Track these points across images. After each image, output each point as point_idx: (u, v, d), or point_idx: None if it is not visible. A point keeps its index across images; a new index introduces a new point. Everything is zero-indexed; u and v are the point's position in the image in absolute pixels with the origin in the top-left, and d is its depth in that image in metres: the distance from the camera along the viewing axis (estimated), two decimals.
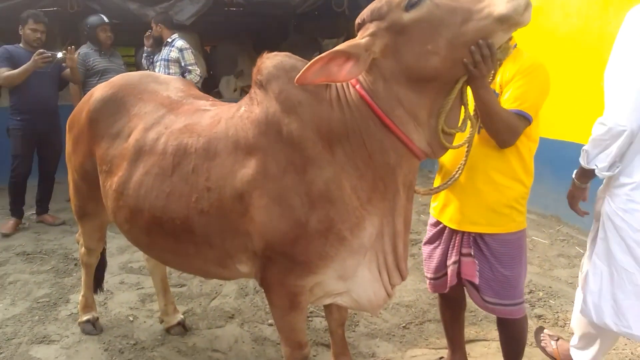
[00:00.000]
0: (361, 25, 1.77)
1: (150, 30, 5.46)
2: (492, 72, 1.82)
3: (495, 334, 2.97)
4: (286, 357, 2.17)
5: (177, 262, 2.23)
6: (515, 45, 2.01)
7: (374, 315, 2.22)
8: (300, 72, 1.64)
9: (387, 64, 1.73)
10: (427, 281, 2.38)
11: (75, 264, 4.06)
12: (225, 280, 3.70)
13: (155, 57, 5.32)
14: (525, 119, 1.94)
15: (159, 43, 5.26)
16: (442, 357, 2.65)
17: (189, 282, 3.74)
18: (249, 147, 1.90)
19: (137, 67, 6.41)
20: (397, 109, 1.75)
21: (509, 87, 1.98)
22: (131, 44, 9.09)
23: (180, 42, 5.24)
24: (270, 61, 1.96)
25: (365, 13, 1.75)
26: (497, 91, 2.03)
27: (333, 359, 2.56)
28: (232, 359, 2.81)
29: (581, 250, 4.11)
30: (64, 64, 4.77)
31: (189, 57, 5.16)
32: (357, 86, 1.80)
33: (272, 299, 2.06)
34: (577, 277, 3.66)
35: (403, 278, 2.06)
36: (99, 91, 2.44)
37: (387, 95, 1.75)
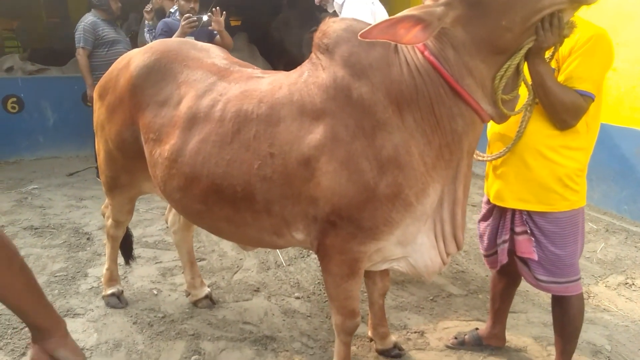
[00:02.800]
0: None
1: (150, 4, 5.29)
2: (554, 46, 1.82)
3: (523, 306, 3.06)
4: (338, 326, 2.18)
5: (230, 231, 2.20)
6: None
7: (428, 281, 2.23)
8: (367, 29, 1.62)
9: (457, 34, 1.73)
10: (483, 258, 2.39)
11: (88, 238, 3.97)
12: (248, 253, 3.69)
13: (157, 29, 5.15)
14: (587, 98, 1.91)
15: (161, 15, 5.09)
16: (477, 328, 2.69)
17: (208, 257, 3.70)
18: (317, 112, 1.88)
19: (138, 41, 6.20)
20: (467, 78, 1.76)
21: (567, 64, 1.94)
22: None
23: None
24: (339, 25, 1.94)
25: None
26: (553, 67, 1.98)
27: (371, 329, 2.59)
28: (265, 331, 2.80)
29: (594, 226, 4.21)
30: (210, 28, 4.52)
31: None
32: (426, 52, 1.79)
33: (330, 267, 2.05)
34: (594, 251, 3.79)
35: (459, 247, 2.08)
36: (138, 57, 2.35)
37: (457, 63, 1.76)
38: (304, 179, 1.90)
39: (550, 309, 2.97)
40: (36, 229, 4.13)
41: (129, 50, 5.34)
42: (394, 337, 2.61)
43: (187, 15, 4.28)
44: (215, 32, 4.52)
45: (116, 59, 5.08)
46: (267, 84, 2.04)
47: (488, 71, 1.77)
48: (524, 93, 1.95)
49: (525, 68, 1.85)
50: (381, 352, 2.57)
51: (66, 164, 6.11)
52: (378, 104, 1.82)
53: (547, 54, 1.88)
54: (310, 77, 1.94)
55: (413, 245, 2.02)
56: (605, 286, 3.35)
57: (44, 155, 6.31)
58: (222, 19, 4.43)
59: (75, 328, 2.78)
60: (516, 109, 1.92)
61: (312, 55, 2.01)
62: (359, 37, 1.61)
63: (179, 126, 2.11)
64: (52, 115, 6.34)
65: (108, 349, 2.62)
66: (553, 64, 1.98)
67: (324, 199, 1.89)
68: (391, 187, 1.83)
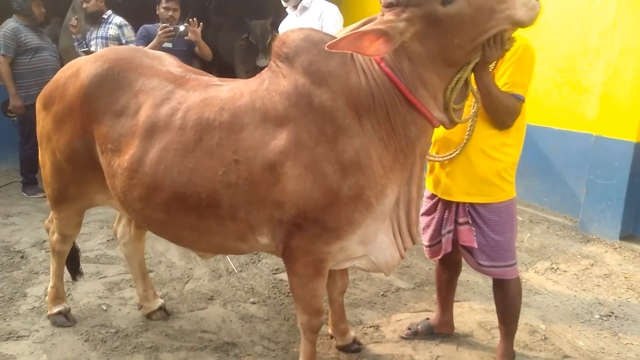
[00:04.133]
0: (392, 5, 1.84)
1: (75, 17, 5.08)
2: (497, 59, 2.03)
3: (465, 295, 3.29)
4: (304, 325, 2.24)
5: (193, 239, 2.20)
6: None
7: (388, 275, 2.36)
8: (335, 39, 1.73)
9: (413, 47, 1.86)
10: (425, 248, 2.57)
11: (22, 257, 3.74)
12: (198, 262, 3.66)
13: (89, 35, 4.96)
14: (520, 101, 2.16)
15: (96, 19, 4.91)
16: (427, 318, 2.86)
17: (155, 268, 3.62)
18: (280, 119, 1.94)
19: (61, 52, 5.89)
20: (420, 89, 1.91)
21: (502, 72, 2.18)
22: None
23: (118, 18, 4.95)
24: (297, 35, 2.01)
25: None
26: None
27: (331, 327, 2.68)
28: (224, 337, 2.80)
29: (520, 218, 4.56)
30: (186, 38, 4.38)
31: (130, 33, 4.89)
32: (382, 64, 1.92)
33: (296, 268, 2.11)
34: (522, 241, 4.11)
35: (414, 242, 2.22)
36: (89, 66, 2.29)
37: (412, 75, 1.90)
38: (269, 183, 1.95)
39: (490, 296, 3.25)
40: None
41: (55, 57, 5.18)
42: (352, 333, 2.72)
43: (163, 25, 4.20)
44: (187, 38, 4.48)
45: (42, 66, 5.02)
46: (227, 92, 2.08)
47: (440, 83, 1.93)
48: (469, 101, 2.14)
49: (471, 79, 2.05)
50: (341, 348, 2.66)
51: None
52: (339, 111, 1.91)
53: (491, 65, 2.09)
54: (271, 84, 2.00)
55: (374, 244, 2.13)
56: (535, 272, 3.67)
57: None
58: (199, 29, 4.37)
59: (22, 351, 2.63)
60: (464, 117, 2.11)
61: (272, 63, 2.07)
62: (326, 48, 1.70)
63: (138, 135, 2.09)
64: None
65: None
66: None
67: (289, 202, 1.95)
68: (353, 189, 1.93)
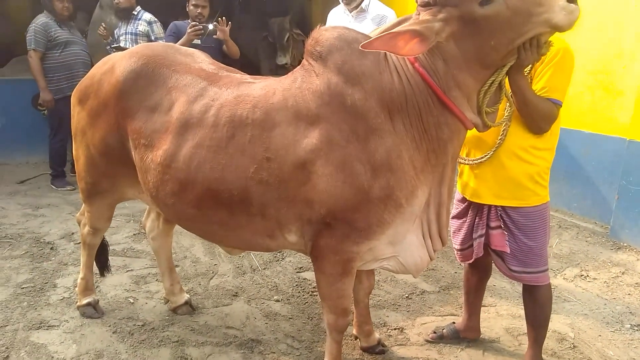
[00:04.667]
0: (428, 5, 1.82)
1: (103, 26, 5.17)
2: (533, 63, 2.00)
3: (491, 300, 3.24)
4: (330, 325, 2.23)
5: (223, 235, 2.21)
6: None
7: (416, 277, 2.35)
8: (370, 39, 1.72)
9: (448, 48, 1.84)
10: (455, 252, 2.54)
11: (52, 248, 3.82)
12: (223, 258, 3.68)
13: (117, 31, 5.03)
14: (558, 106, 2.12)
15: (127, 15, 4.98)
16: (453, 322, 2.82)
17: (181, 263, 3.65)
18: (312, 117, 1.94)
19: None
20: (454, 90, 1.89)
21: (539, 76, 2.14)
22: None
23: (147, 15, 5.02)
24: (331, 33, 2.00)
25: None
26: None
27: (356, 327, 2.66)
28: (249, 334, 2.81)
29: None
30: (214, 36, 4.46)
31: (159, 30, 4.96)
32: (417, 64, 1.90)
33: (324, 267, 2.11)
34: (550, 246, 4.03)
35: (444, 244, 2.20)
36: (124, 62, 2.32)
37: (446, 76, 1.88)
38: (299, 182, 1.95)
39: (517, 302, 3.20)
40: None
41: (85, 51, 5.27)
42: (377, 335, 2.70)
43: (193, 23, 4.26)
44: (215, 37, 4.52)
45: (71, 60, 5.10)
46: (259, 90, 2.08)
47: (474, 84, 1.91)
48: (502, 104, 2.11)
49: (506, 82, 2.01)
50: (366, 350, 2.65)
51: (16, 171, 5.82)
52: (371, 110, 1.90)
53: (527, 69, 2.06)
54: (304, 83, 2.00)
55: (403, 245, 2.11)
56: (563, 278, 3.60)
57: None
58: (227, 28, 4.41)
59: (52, 340, 2.69)
60: (497, 120, 2.08)
61: (304, 62, 2.07)
62: (360, 48, 1.69)
63: (172, 131, 2.11)
64: (0, 119, 6.02)
65: (90, 359, 2.55)
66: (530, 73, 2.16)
67: (319, 201, 1.95)
68: (384, 190, 1.92)
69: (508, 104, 2.12)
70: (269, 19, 7.88)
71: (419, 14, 1.87)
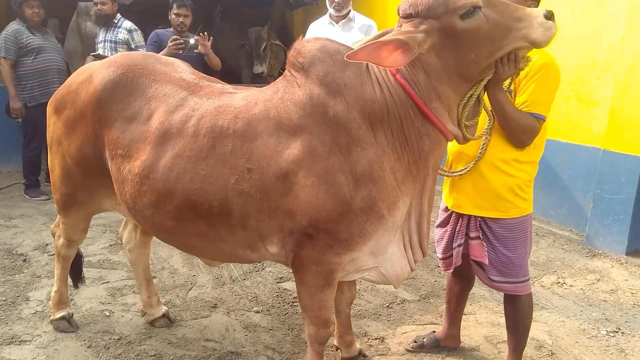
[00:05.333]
0: (410, 16, 1.84)
1: (101, 52, 5.12)
2: (511, 77, 2.03)
3: (471, 308, 3.26)
4: (311, 337, 2.21)
5: (203, 247, 2.18)
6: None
7: (397, 287, 2.34)
8: (354, 50, 1.73)
9: (429, 60, 1.86)
10: (438, 260, 2.55)
11: (24, 260, 3.72)
12: (201, 269, 3.63)
13: (97, 39, 4.96)
14: (540, 120, 2.13)
15: (108, 22, 4.91)
16: (433, 331, 2.83)
17: (158, 274, 3.59)
18: (294, 128, 1.93)
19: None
20: (434, 101, 1.91)
21: (523, 90, 2.15)
22: None
23: (128, 23, 4.97)
24: (313, 44, 2.00)
25: (418, 5, 1.82)
26: (510, 89, 2.19)
27: (337, 338, 2.64)
28: (228, 347, 2.77)
29: None
30: (195, 50, 4.45)
31: (139, 38, 4.91)
32: (398, 75, 1.91)
33: (305, 278, 2.09)
34: None
35: (424, 254, 2.21)
36: (103, 71, 2.28)
37: (427, 87, 1.90)
38: (281, 193, 1.94)
39: (496, 310, 3.23)
40: None
41: (60, 57, 5.17)
42: (358, 345, 2.68)
43: (174, 37, 4.23)
44: (196, 51, 4.53)
45: (44, 66, 5.01)
46: (241, 100, 2.06)
47: (454, 97, 1.93)
48: (483, 117, 2.13)
49: (485, 96, 2.04)
50: None
51: None
52: (353, 121, 1.90)
53: (505, 83, 2.08)
54: (286, 93, 1.99)
55: (384, 255, 2.11)
56: (541, 286, 3.65)
57: None
58: (209, 43, 4.39)
59: (24, 356, 2.60)
60: (477, 134, 2.10)
61: (286, 72, 2.06)
62: (345, 59, 1.69)
63: (150, 142, 2.07)
64: None
65: None
66: (511, 87, 2.18)
67: (301, 212, 1.93)
68: (366, 201, 1.91)
69: (488, 117, 2.14)
70: (246, 28, 7.89)
71: (400, 26, 1.88)
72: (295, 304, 3.24)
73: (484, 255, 2.29)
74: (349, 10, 4.24)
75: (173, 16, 4.59)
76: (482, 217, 2.30)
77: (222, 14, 9.50)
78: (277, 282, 3.55)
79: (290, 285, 3.48)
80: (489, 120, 2.14)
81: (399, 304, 3.30)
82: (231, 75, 7.67)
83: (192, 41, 4.31)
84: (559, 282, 3.70)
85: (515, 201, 2.26)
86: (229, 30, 8.60)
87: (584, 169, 4.51)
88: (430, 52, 1.83)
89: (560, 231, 4.64)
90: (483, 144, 2.18)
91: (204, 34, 4.44)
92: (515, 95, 2.17)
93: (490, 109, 2.10)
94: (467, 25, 1.79)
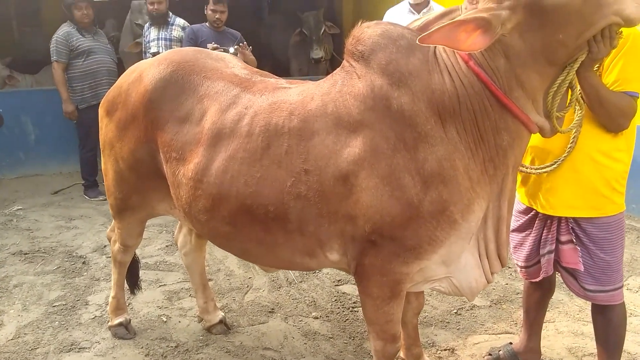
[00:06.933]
0: None
1: (139, 40, 5.14)
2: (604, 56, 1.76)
3: (549, 315, 2.94)
4: (377, 352, 2.04)
5: (259, 253, 2.05)
6: None
7: (471, 301, 2.13)
8: (428, 32, 1.51)
9: (512, 42, 1.62)
10: (519, 269, 2.30)
11: (84, 262, 3.74)
12: (257, 270, 3.51)
13: (148, 37, 4.94)
14: (636, 98, 1.88)
15: (164, 21, 4.89)
16: (510, 343, 2.57)
17: (214, 276, 3.51)
18: (354, 124, 1.76)
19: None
20: (516, 90, 1.67)
21: (610, 69, 1.90)
22: None
23: (181, 20, 4.95)
24: (373, 30, 1.81)
25: None
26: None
27: (404, 350, 2.44)
28: (287, 356, 2.63)
29: None
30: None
31: None
32: (471, 62, 1.68)
33: (370, 289, 1.92)
34: None
35: (503, 265, 1.97)
36: (152, 70, 2.18)
37: (507, 75, 1.66)
38: (341, 195, 1.77)
39: (578, 316, 2.93)
40: (25, 254, 3.86)
41: (110, 58, 5.20)
42: (427, 357, 2.48)
43: (214, 45, 4.11)
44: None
45: (94, 68, 5.03)
46: (296, 95, 1.91)
47: (540, 84, 1.69)
48: (570, 110, 1.88)
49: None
50: None
51: (50, 182, 5.79)
52: (419, 115, 1.70)
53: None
54: (344, 86, 1.81)
55: (457, 265, 1.90)
56: (627, 289, 3.29)
57: (26, 173, 5.95)
58: (248, 51, 4.28)
59: None
60: (567, 126, 1.86)
61: (345, 62, 1.88)
62: (418, 42, 1.49)
63: (203, 143, 1.95)
64: (34, 130, 6.02)
65: None
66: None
67: (364, 217, 1.76)
68: (436, 204, 1.71)
69: (578, 106, 1.88)
70: (300, 14, 7.74)
71: (472, 3, 1.64)
72: (355, 309, 3.06)
73: (578, 261, 2.03)
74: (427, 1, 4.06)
75: (209, 12, 4.50)
76: (574, 218, 2.04)
77: (270, 7, 9.40)
78: (336, 285, 3.39)
79: (349, 288, 3.31)
80: (579, 110, 1.87)
81: (468, 310, 3.06)
82: (281, 70, 7.55)
83: (231, 50, 4.19)
84: None
85: (612, 196, 2.00)
86: (280, 22, 8.47)
87: None
88: (513, 33, 1.58)
89: (638, 224, 4.22)
90: (574, 136, 1.92)
91: (243, 43, 4.33)
92: (600, 77, 1.91)
93: (581, 95, 1.83)
94: (557, 1, 1.53)
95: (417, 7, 4.05)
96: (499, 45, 1.62)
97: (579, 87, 1.83)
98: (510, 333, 2.80)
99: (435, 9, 4.01)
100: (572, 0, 1.54)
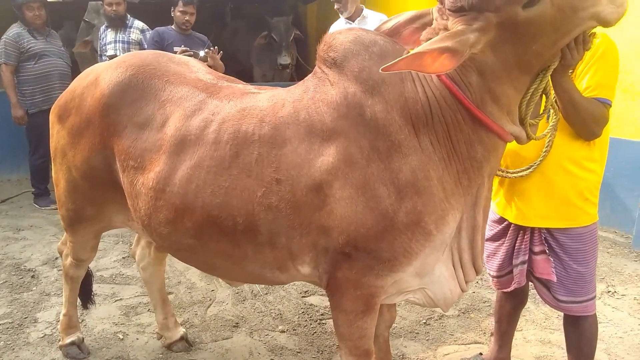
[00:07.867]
0: (462, 9, 1.52)
1: (88, 38, 4.92)
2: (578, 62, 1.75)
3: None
4: None
5: (227, 268, 1.93)
6: None
7: (445, 312, 2.07)
8: (391, 62, 1.43)
9: (483, 59, 1.57)
10: (491, 279, 2.27)
11: (32, 276, 3.51)
12: (220, 283, 3.38)
13: (105, 40, 4.73)
14: (607, 105, 1.88)
15: (122, 23, 4.69)
16: (480, 353, 2.55)
17: (175, 289, 3.36)
18: (327, 132, 1.68)
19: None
20: (489, 104, 1.63)
21: (584, 74, 1.89)
22: None
23: (140, 23, 4.78)
24: (345, 36, 1.75)
25: None
26: None
27: None
28: None
29: None
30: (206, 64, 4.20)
31: None
32: (442, 75, 1.63)
33: (342, 303, 1.83)
34: None
35: (478, 273, 1.92)
36: (110, 73, 2.04)
37: (481, 90, 1.62)
38: (314, 206, 1.69)
39: (545, 324, 2.94)
40: None
41: (64, 61, 4.95)
42: None
43: (184, 48, 3.96)
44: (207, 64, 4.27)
45: (46, 71, 4.78)
46: (266, 101, 1.81)
47: (515, 95, 1.65)
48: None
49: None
50: None
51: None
52: (393, 123, 1.64)
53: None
54: (317, 93, 1.73)
55: (431, 276, 1.84)
56: None
57: None
58: (218, 56, 4.13)
59: None
60: (541, 132, 1.84)
61: (317, 69, 1.81)
62: (380, 71, 1.43)
63: (166, 151, 1.83)
64: None
65: None
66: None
67: (337, 228, 1.68)
68: (410, 215, 1.65)
69: (552, 111, 1.86)
70: (270, 19, 7.64)
71: (446, 19, 1.58)
72: (323, 321, 2.98)
73: (551, 271, 2.01)
74: (360, 9, 4.25)
75: (178, 13, 4.34)
76: (547, 229, 2.02)
77: (233, 12, 9.25)
78: (303, 297, 3.29)
79: (317, 300, 3.22)
80: (554, 115, 1.85)
81: (436, 320, 3.02)
82: (245, 75, 7.42)
83: (202, 54, 4.06)
84: (609, 291, 3.40)
85: (585, 207, 1.99)
86: (244, 26, 8.35)
87: (629, 165, 4.18)
88: (485, 49, 1.53)
89: (603, 233, 4.31)
90: (548, 142, 1.90)
91: (214, 48, 4.21)
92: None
93: (555, 101, 1.82)
94: (531, 14, 1.48)
95: (351, 19, 4.25)
96: (471, 63, 1.57)
97: (553, 94, 1.81)
98: (480, 343, 2.78)
99: (369, 16, 4.25)
100: (545, 12, 1.49)
